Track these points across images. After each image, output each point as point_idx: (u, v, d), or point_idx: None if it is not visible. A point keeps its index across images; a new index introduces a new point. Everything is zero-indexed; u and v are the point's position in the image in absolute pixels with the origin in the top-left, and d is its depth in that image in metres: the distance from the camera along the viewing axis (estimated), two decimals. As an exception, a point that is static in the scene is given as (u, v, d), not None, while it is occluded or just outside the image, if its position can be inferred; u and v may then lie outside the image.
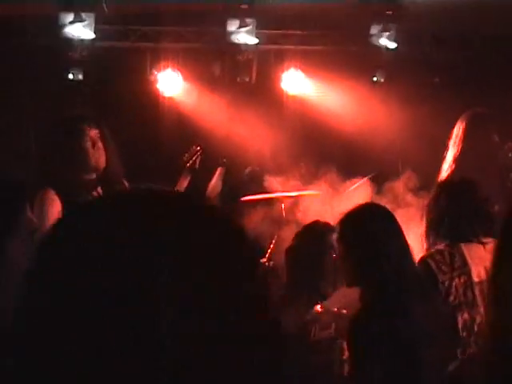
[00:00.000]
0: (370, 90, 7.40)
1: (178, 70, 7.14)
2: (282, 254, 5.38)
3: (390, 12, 7.25)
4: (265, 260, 6.05)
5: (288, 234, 6.01)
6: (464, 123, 5.75)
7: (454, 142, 5.79)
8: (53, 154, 4.73)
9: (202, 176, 6.21)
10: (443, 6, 6.89)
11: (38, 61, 6.70)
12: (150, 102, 7.17)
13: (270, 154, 6.94)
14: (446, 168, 5.78)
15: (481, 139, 5.72)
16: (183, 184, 5.69)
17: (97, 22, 6.63)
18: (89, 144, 4.71)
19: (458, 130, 5.80)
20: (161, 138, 7.17)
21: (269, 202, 6.30)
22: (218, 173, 6.52)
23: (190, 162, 5.84)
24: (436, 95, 7.23)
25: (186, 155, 5.86)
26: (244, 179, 6.76)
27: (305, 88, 7.49)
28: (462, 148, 5.72)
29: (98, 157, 4.74)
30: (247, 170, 6.89)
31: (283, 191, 6.27)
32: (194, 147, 5.92)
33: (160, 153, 6.92)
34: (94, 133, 4.75)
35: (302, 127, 7.32)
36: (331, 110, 7.38)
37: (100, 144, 4.75)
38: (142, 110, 7.09)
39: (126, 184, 5.11)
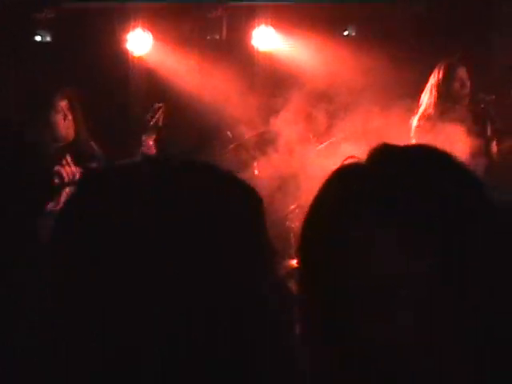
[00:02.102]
0: (342, 45, 7.37)
1: (148, 29, 7.08)
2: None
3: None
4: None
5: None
6: (440, 72, 5.83)
7: (430, 91, 5.86)
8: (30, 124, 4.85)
9: (170, 132, 6.19)
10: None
11: (4, 22, 6.63)
12: (120, 62, 7.12)
13: (240, 111, 6.90)
14: (420, 116, 5.85)
15: (455, 88, 5.80)
16: (149, 142, 5.67)
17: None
18: (60, 117, 4.86)
19: (433, 79, 5.88)
20: (131, 97, 7.13)
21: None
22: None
23: (154, 119, 5.82)
24: (408, 48, 7.20)
25: (149, 113, 5.83)
26: None
27: (276, 44, 7.45)
28: (437, 96, 5.80)
29: (68, 128, 4.90)
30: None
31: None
32: (155, 105, 5.89)
33: (130, 112, 6.89)
34: (64, 104, 4.89)
35: (273, 83, 7.28)
36: (302, 66, 7.34)
37: (70, 115, 4.90)
38: (112, 70, 7.03)
39: (96, 148, 5.18)
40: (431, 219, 1.08)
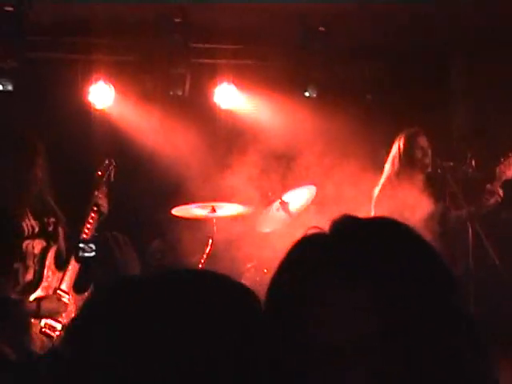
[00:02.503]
0: (302, 105, 7.46)
1: (110, 82, 7.09)
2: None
3: (323, 29, 7.33)
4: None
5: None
6: (401, 141, 5.96)
7: (392, 160, 5.97)
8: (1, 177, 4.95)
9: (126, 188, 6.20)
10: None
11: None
12: (81, 114, 7.11)
13: (202, 169, 6.93)
14: (382, 185, 5.95)
15: (417, 157, 5.92)
16: (101, 197, 5.68)
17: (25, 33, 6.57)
18: (38, 176, 5.02)
19: (395, 148, 6.00)
20: (89, 150, 7.10)
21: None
22: None
23: (106, 175, 5.85)
24: (368, 112, 7.34)
25: (101, 169, 5.86)
26: None
27: (237, 102, 7.52)
28: (399, 164, 5.92)
29: (35, 182, 5.04)
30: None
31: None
32: (107, 160, 5.92)
33: (86, 166, 6.86)
34: (40, 162, 5.06)
35: (234, 141, 7.32)
36: (263, 125, 7.42)
37: (40, 173, 5.06)
38: (73, 121, 7.02)
39: (54, 205, 5.25)
40: (386, 285, 1.16)
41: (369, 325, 1.15)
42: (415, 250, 1.25)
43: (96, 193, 5.69)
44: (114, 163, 5.91)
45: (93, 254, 5.51)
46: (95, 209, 5.59)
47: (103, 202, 5.66)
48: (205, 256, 6.15)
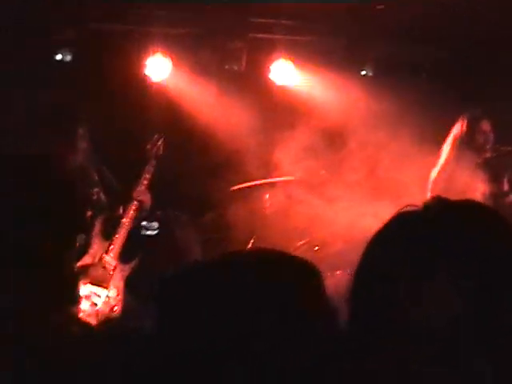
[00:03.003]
0: (358, 84, 7.40)
1: (168, 55, 7.10)
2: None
3: (381, 7, 7.25)
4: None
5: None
6: (463, 124, 5.87)
7: (452, 143, 5.90)
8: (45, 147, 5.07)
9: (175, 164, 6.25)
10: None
11: (25, 40, 6.66)
12: (138, 87, 7.13)
13: (255, 144, 6.93)
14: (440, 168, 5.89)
15: (478, 142, 5.83)
16: (149, 170, 5.78)
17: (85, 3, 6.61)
18: (81, 146, 5.12)
19: (456, 131, 5.91)
20: (144, 123, 7.13)
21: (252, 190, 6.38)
22: None
23: (154, 149, 5.93)
24: (425, 93, 7.24)
25: (150, 143, 5.94)
26: None
27: (293, 79, 7.48)
28: (459, 148, 5.84)
29: (79, 154, 5.16)
30: None
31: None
32: (156, 135, 6.01)
33: (140, 139, 6.90)
34: (82, 133, 5.15)
35: (289, 118, 7.30)
36: (318, 102, 7.37)
37: (84, 144, 5.15)
38: (129, 93, 7.05)
39: (97, 176, 5.35)
40: (475, 267, 1.21)
41: (464, 307, 1.16)
42: (505, 234, 1.28)
43: (146, 165, 5.78)
44: (163, 138, 5.98)
45: (155, 232, 5.60)
46: (144, 181, 5.68)
47: (152, 175, 5.76)
48: (256, 232, 6.18)
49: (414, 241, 1.27)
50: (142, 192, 5.64)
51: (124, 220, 5.48)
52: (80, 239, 5.18)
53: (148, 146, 5.94)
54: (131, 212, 5.51)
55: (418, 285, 1.22)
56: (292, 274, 1.32)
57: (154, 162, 5.86)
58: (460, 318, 1.18)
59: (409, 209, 1.34)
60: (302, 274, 1.34)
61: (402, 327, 1.21)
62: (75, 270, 5.08)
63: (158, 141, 6.00)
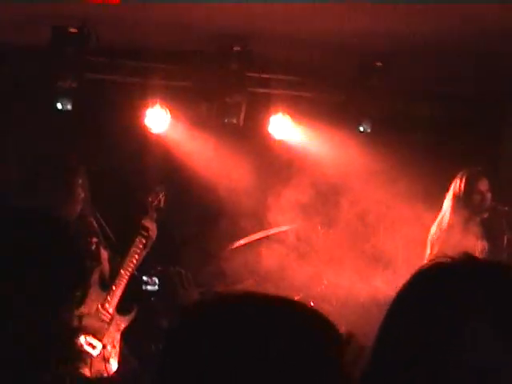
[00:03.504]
0: (356, 140, 7.45)
1: (167, 107, 7.14)
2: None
3: (380, 64, 7.33)
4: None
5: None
6: (461, 182, 5.90)
7: (450, 200, 5.92)
8: (44, 196, 5.05)
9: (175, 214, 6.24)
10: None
11: (26, 89, 6.70)
12: (137, 138, 7.16)
13: (253, 198, 6.93)
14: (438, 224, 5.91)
15: (475, 200, 5.85)
16: (151, 223, 5.76)
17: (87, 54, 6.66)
18: (79, 194, 5.12)
19: (454, 189, 5.94)
20: (142, 174, 7.14)
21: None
22: None
23: (156, 201, 5.91)
24: (421, 151, 7.29)
25: (151, 195, 5.93)
26: None
27: (291, 133, 7.52)
28: (456, 206, 5.86)
29: (77, 204, 5.16)
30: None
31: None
32: (158, 187, 6.00)
33: (138, 190, 6.90)
34: (81, 182, 5.16)
35: (286, 173, 7.32)
36: (316, 157, 7.41)
37: (83, 193, 5.17)
38: (128, 144, 7.08)
39: (96, 226, 5.35)
40: None
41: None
42: None
43: (145, 218, 5.77)
44: (165, 190, 5.98)
45: (156, 287, 5.57)
46: (144, 233, 5.65)
47: (152, 227, 5.73)
48: (253, 287, 6.16)
49: (447, 298, 1.23)
50: (149, 223, 5.66)
51: (122, 272, 5.45)
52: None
53: (149, 198, 5.92)
54: (133, 261, 5.49)
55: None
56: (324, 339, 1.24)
57: (154, 215, 5.84)
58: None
59: (439, 262, 1.28)
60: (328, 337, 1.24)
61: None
62: (72, 323, 5.06)
63: (159, 193, 5.98)
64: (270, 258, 6.29)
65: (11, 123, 6.69)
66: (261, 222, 6.51)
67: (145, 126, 7.11)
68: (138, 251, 5.58)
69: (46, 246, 2.11)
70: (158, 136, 7.20)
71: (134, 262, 5.54)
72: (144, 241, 5.65)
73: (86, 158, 5.90)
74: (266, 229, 6.46)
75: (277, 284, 6.14)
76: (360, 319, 6.07)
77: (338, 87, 7.59)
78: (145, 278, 5.61)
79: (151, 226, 5.76)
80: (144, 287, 5.64)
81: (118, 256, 5.58)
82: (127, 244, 5.62)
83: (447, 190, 6.12)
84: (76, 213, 5.33)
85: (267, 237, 6.39)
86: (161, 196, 5.98)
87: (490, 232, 5.91)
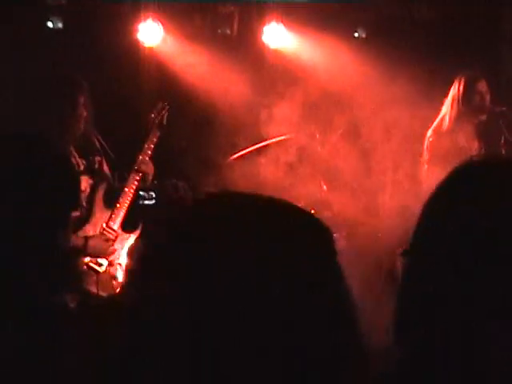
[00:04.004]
0: (351, 46, 7.37)
1: (159, 20, 7.05)
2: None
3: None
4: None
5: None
6: (460, 84, 5.88)
7: (450, 103, 5.91)
8: (45, 117, 5.00)
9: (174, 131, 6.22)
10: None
11: (16, 8, 6.61)
12: (130, 52, 7.09)
13: (245, 108, 6.89)
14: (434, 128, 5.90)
15: (475, 102, 5.85)
16: (153, 140, 5.71)
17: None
18: (81, 112, 5.08)
19: (453, 91, 5.93)
20: (138, 90, 7.10)
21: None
22: None
23: (158, 118, 5.84)
24: (419, 55, 7.21)
25: (154, 112, 5.84)
26: None
27: (286, 42, 7.44)
28: (456, 109, 5.85)
29: (79, 122, 5.10)
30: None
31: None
32: (160, 104, 5.90)
33: (136, 106, 6.86)
34: (84, 100, 5.10)
35: (282, 82, 7.27)
36: (312, 65, 7.34)
37: (85, 112, 5.09)
38: (121, 60, 7.01)
39: (98, 143, 5.32)
40: None
41: None
42: None
43: (149, 135, 5.72)
44: (168, 106, 5.90)
45: (153, 201, 5.58)
46: (148, 152, 5.62)
47: (147, 163, 5.68)
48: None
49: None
50: (145, 162, 5.60)
51: (126, 189, 5.45)
52: (81, 209, 5.17)
53: (152, 115, 5.84)
54: (134, 182, 5.48)
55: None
56: (305, 228, 1.19)
57: (157, 133, 5.78)
58: None
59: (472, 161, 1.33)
60: (316, 230, 1.19)
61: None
62: (76, 241, 5.11)
63: (162, 110, 5.91)
64: (269, 168, 6.30)
65: (2, 47, 6.61)
66: (258, 132, 6.49)
67: (138, 40, 7.04)
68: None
69: (37, 170, 2.12)
70: (151, 50, 7.13)
71: (138, 179, 5.53)
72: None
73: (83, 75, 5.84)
74: (263, 139, 6.44)
75: (277, 193, 6.15)
76: (360, 225, 6.14)
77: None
78: (141, 192, 5.60)
79: (154, 145, 5.73)
80: (141, 202, 5.62)
81: (125, 174, 5.56)
82: (130, 162, 5.61)
83: (446, 94, 6.10)
84: (80, 131, 5.28)
85: (266, 147, 6.37)
86: (163, 113, 5.92)
87: (487, 133, 5.91)
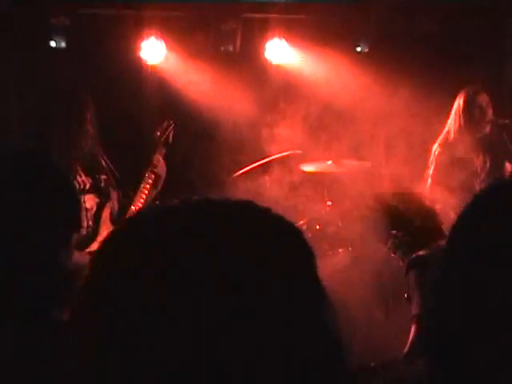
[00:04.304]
0: (354, 60, 7.38)
1: (162, 38, 7.07)
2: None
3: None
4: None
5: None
6: (461, 98, 5.92)
7: (453, 117, 5.94)
8: (52, 133, 5.00)
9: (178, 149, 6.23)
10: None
11: (19, 27, 6.64)
12: (133, 70, 7.11)
13: (249, 124, 6.89)
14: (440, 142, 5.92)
15: (476, 115, 5.87)
16: (159, 159, 5.72)
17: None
18: (89, 132, 5.06)
19: (455, 105, 5.96)
20: (141, 107, 7.11)
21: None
22: None
23: (164, 136, 5.86)
24: (421, 68, 7.22)
25: (159, 130, 5.86)
26: None
27: (289, 57, 7.46)
28: (458, 122, 5.88)
29: (85, 139, 5.08)
30: None
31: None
32: (166, 122, 5.92)
33: (139, 124, 6.86)
34: (90, 118, 5.09)
35: (285, 97, 7.28)
36: (315, 80, 7.35)
37: (91, 129, 5.08)
38: (125, 77, 7.03)
39: (103, 161, 5.30)
40: None
41: None
42: None
43: (154, 154, 5.72)
44: (173, 124, 5.91)
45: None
46: (153, 170, 5.62)
47: (161, 164, 5.70)
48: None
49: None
50: (159, 163, 5.63)
51: (133, 208, 5.45)
52: (88, 227, 5.15)
53: (157, 133, 5.86)
54: (142, 196, 5.49)
55: None
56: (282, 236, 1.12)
57: (163, 151, 5.78)
58: None
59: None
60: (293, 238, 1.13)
61: None
62: (80, 257, 5.09)
63: (167, 128, 5.92)
64: (273, 185, 6.30)
65: (7, 65, 6.64)
66: (261, 149, 6.48)
67: (141, 58, 7.06)
68: (148, 187, 5.57)
69: (39, 190, 2.11)
70: (154, 68, 7.15)
71: (144, 197, 5.53)
72: (153, 177, 5.62)
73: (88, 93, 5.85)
74: (267, 156, 6.44)
75: (281, 210, 6.15)
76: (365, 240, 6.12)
77: (334, 8, 7.49)
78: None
79: (160, 163, 5.73)
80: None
81: (130, 192, 5.57)
82: (135, 181, 5.61)
83: (449, 107, 6.12)
84: (87, 148, 5.27)
85: (269, 163, 6.37)
86: (169, 131, 5.93)
87: (491, 147, 5.92)
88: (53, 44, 6.68)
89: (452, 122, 6.00)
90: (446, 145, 5.96)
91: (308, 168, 6.37)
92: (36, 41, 6.69)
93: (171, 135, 5.88)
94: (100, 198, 5.35)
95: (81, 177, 5.23)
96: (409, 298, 2.48)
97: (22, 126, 5.94)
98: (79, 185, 5.22)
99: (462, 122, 5.91)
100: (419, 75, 6.90)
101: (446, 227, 2.41)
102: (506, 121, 5.90)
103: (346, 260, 5.88)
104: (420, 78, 6.84)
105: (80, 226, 2.53)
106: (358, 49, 7.50)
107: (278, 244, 1.10)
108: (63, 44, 6.69)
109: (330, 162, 6.42)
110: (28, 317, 1.95)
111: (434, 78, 6.90)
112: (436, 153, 5.97)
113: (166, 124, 5.91)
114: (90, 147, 5.27)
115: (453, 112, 6.03)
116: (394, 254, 2.68)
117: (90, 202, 5.20)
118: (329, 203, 6.29)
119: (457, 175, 5.61)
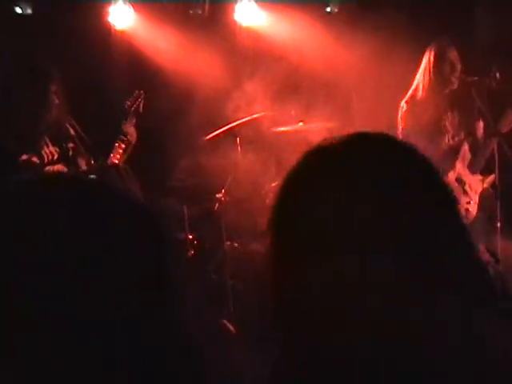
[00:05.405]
0: (324, 21, 7.34)
1: (129, 2, 6.99)
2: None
3: None
4: (220, 195, 6.15)
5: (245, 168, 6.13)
6: (430, 54, 5.87)
7: (422, 73, 5.90)
8: (17, 106, 5.00)
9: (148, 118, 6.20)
10: None
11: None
12: (101, 36, 7.03)
13: (219, 87, 6.84)
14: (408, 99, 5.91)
15: (445, 71, 5.84)
16: (130, 128, 5.73)
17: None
18: (53, 101, 5.06)
19: (424, 61, 5.92)
20: (110, 73, 7.04)
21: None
22: None
23: (134, 105, 5.86)
24: (392, 27, 7.18)
25: (130, 100, 5.86)
26: None
27: (258, 19, 7.40)
28: (428, 79, 5.85)
29: (52, 110, 5.09)
30: None
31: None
32: (136, 91, 5.92)
33: (108, 91, 6.79)
34: (55, 89, 5.09)
35: (255, 59, 7.23)
36: (285, 42, 7.31)
37: (57, 99, 5.08)
38: (92, 43, 6.94)
39: (72, 129, 5.29)
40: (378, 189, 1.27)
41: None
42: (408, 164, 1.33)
43: (125, 123, 5.73)
44: (143, 94, 5.91)
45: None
46: (123, 138, 5.64)
47: (132, 132, 5.72)
48: (229, 179, 6.17)
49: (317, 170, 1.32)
50: (129, 128, 5.64)
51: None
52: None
53: (128, 103, 5.86)
54: (114, 161, 5.50)
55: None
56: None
57: (134, 120, 5.79)
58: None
59: (326, 142, 1.35)
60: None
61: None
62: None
63: (138, 97, 5.92)
64: (243, 148, 6.28)
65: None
66: (232, 113, 6.44)
67: (109, 23, 6.99)
68: (118, 156, 5.58)
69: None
70: (122, 32, 7.07)
71: (116, 162, 5.53)
72: (123, 145, 5.63)
73: (54, 61, 5.79)
74: (238, 119, 6.41)
75: (255, 172, 6.15)
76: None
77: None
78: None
79: (130, 131, 5.74)
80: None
81: (101, 158, 5.56)
82: (107, 149, 5.61)
83: (420, 59, 6.08)
84: (52, 119, 5.27)
85: (241, 125, 6.34)
86: (140, 100, 5.93)
87: (460, 103, 5.91)
88: (18, 10, 6.58)
89: (421, 78, 5.94)
90: (414, 101, 5.92)
91: (279, 129, 6.36)
92: (0, 6, 6.59)
93: (142, 105, 5.89)
94: (68, 167, 5.34)
95: (48, 147, 5.23)
96: None
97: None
98: (47, 156, 5.22)
99: (432, 78, 5.86)
100: (391, 35, 6.85)
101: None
102: (475, 77, 5.88)
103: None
104: (391, 38, 6.80)
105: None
106: (328, 9, 7.45)
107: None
108: (29, 10, 6.59)
109: (301, 124, 6.39)
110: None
111: (406, 36, 6.86)
112: (404, 109, 5.93)
113: (136, 93, 5.92)
114: (55, 117, 5.27)
115: (422, 67, 5.95)
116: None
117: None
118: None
119: (426, 132, 5.59)
